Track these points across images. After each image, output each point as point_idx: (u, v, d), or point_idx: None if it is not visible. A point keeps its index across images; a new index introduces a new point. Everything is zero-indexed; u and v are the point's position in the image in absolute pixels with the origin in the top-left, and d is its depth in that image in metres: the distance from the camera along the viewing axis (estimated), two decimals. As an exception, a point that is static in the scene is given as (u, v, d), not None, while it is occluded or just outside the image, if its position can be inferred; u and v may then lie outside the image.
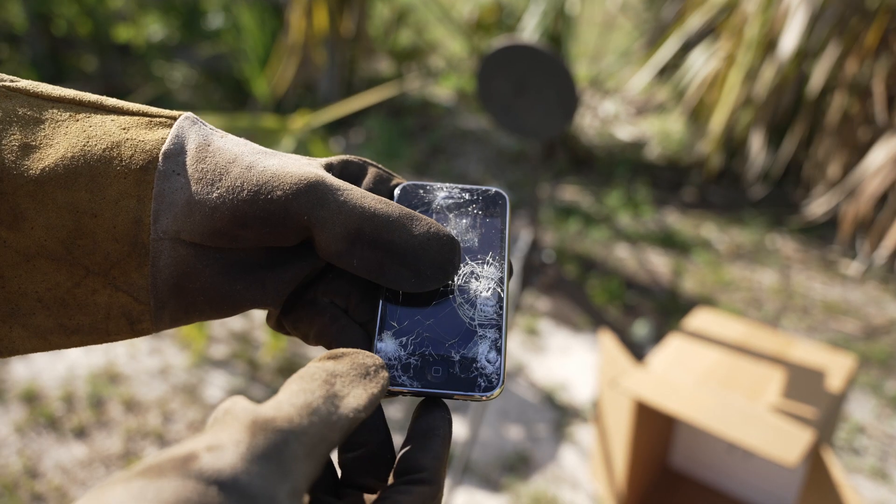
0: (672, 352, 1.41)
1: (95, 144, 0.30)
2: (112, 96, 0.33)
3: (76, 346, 0.31)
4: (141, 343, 2.16)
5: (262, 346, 2.16)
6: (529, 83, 1.33)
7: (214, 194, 0.29)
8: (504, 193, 0.34)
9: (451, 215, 0.33)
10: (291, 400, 0.24)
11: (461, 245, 0.32)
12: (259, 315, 2.27)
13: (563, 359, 2.13)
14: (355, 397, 0.25)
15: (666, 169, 3.40)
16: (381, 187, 0.33)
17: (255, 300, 0.31)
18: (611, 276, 2.56)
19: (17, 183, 0.29)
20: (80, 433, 1.83)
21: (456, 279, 0.31)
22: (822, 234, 2.84)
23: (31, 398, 1.92)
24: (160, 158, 0.30)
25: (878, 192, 2.32)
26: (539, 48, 1.28)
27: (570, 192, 3.18)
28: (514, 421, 1.89)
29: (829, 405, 1.24)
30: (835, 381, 1.30)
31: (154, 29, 4.09)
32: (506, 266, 0.32)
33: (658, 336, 2.23)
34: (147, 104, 0.33)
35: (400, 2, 4.11)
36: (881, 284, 2.53)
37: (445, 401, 0.30)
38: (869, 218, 2.51)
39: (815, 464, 1.17)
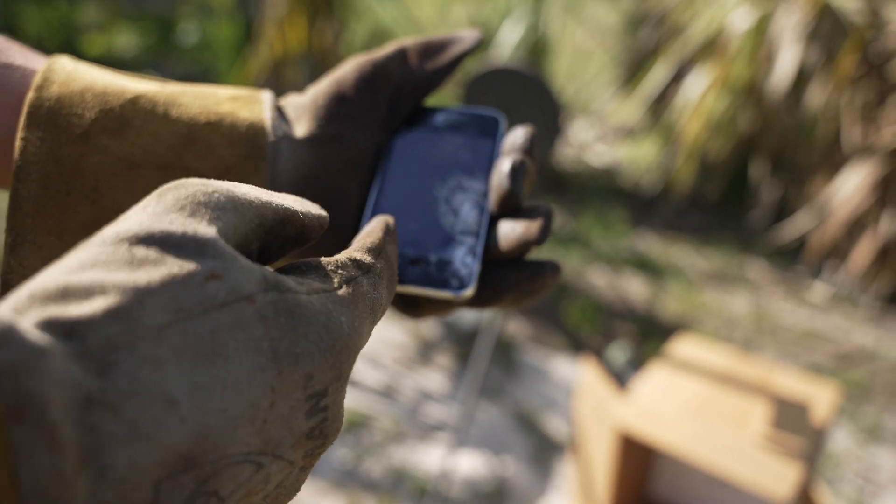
0: (656, 380, 1.39)
1: (202, 93, 0.31)
2: None
3: None
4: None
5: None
6: (516, 107, 1.31)
7: (320, 86, 0.33)
8: (498, 117, 0.35)
9: (445, 134, 0.35)
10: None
11: (453, 161, 0.34)
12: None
13: (540, 382, 2.10)
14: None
15: (639, 193, 3.42)
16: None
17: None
18: (585, 298, 2.55)
19: (124, 96, 0.28)
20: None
21: (443, 191, 0.33)
22: (792, 259, 2.88)
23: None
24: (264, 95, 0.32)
25: (849, 218, 2.36)
26: (527, 72, 1.26)
27: (545, 215, 3.17)
28: (491, 448, 1.85)
29: (815, 437, 1.23)
30: (820, 412, 1.29)
31: (127, 43, 4.01)
32: (492, 181, 0.33)
33: (633, 360, 2.22)
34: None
35: (376, 22, 4.10)
36: (848, 312, 2.57)
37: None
38: (836, 243, 2.56)
39: (802, 499, 1.15)
